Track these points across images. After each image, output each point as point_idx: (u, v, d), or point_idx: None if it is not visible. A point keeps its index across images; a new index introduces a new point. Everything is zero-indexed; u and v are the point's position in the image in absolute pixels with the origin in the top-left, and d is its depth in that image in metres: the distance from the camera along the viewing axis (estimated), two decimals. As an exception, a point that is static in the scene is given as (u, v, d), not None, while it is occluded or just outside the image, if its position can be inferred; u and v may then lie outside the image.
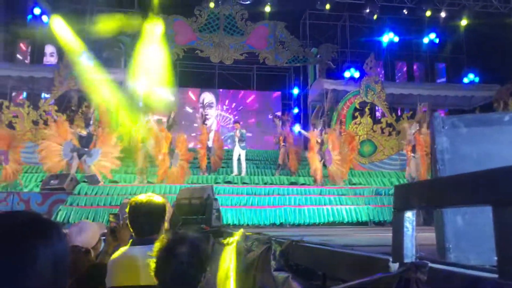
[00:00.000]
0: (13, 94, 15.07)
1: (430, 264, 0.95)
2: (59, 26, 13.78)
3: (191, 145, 15.30)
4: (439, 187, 0.97)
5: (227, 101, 18.20)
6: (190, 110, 16.61)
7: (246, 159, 12.42)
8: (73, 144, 10.55)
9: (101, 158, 10.66)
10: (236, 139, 11.95)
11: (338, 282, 1.58)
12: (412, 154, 11.03)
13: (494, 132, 1.34)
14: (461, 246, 1.29)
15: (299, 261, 2.00)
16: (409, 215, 1.06)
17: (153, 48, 14.66)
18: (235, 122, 12.76)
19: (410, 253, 1.05)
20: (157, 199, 2.39)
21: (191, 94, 17.62)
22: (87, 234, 2.62)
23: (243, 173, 11.70)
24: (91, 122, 11.12)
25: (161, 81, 14.73)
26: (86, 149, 10.62)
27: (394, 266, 1.08)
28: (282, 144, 12.46)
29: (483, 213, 1.31)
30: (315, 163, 11.17)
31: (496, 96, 14.94)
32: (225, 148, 14.05)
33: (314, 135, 11.47)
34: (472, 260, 1.28)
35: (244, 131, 12.21)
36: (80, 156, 10.52)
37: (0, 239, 0.90)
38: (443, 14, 16.53)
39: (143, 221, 2.30)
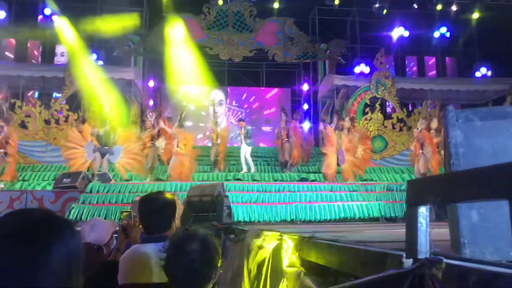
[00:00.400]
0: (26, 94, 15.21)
1: (445, 260, 0.93)
2: (67, 26, 13.87)
3: (205, 142, 15.37)
4: (453, 181, 0.95)
5: (233, 100, 18.22)
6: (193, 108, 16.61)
7: (258, 156, 12.42)
8: (94, 145, 10.67)
9: (123, 155, 10.76)
10: (242, 137, 11.93)
11: (351, 278, 1.56)
12: (421, 151, 10.93)
13: (509, 125, 1.32)
14: (476, 241, 1.27)
15: (311, 258, 1.98)
16: (423, 210, 1.04)
17: (168, 46, 14.77)
18: (240, 120, 12.73)
19: (424, 248, 1.04)
20: (167, 196, 2.40)
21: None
22: (99, 231, 2.63)
23: (252, 170, 11.65)
24: (107, 120, 11.24)
25: (176, 79, 14.83)
26: (106, 148, 10.72)
27: (408, 262, 1.07)
28: (286, 139, 12.38)
29: (499, 207, 1.29)
30: (332, 159, 11.10)
31: (510, 90, 14.75)
32: (235, 145, 14.06)
33: (331, 132, 11.37)
34: (488, 256, 1.25)
35: (249, 128, 12.19)
36: (103, 155, 10.63)
37: (15, 238, 0.91)
38: (454, 8, 16.32)
39: (153, 218, 2.31)
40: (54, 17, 14.27)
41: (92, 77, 13.24)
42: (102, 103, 12.21)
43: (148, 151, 10.97)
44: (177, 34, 14.88)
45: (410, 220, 1.06)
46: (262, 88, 18.58)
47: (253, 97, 18.29)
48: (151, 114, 11.40)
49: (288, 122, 12.73)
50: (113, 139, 10.91)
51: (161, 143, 10.97)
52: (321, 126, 11.70)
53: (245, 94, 18.29)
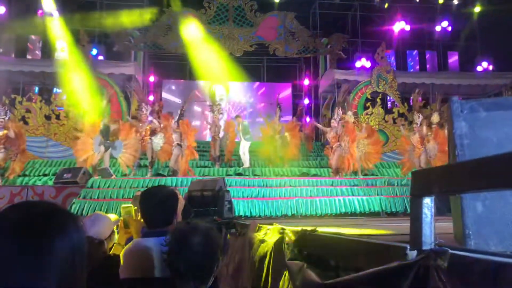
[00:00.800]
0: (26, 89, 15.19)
1: (450, 251, 0.92)
2: (60, 24, 13.83)
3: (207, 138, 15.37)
4: (460, 171, 0.94)
5: (234, 95, 18.17)
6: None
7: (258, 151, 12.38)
8: (100, 138, 10.66)
9: (124, 151, 10.75)
10: (240, 133, 11.84)
11: (352, 271, 1.56)
12: (421, 146, 10.87)
13: (514, 116, 1.30)
14: (481, 233, 1.26)
15: (313, 251, 1.98)
16: (428, 201, 1.04)
17: (170, 41, 14.75)
18: (237, 115, 12.63)
19: (428, 240, 1.03)
20: (169, 190, 2.39)
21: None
22: (101, 225, 2.63)
23: (246, 165, 11.55)
24: (105, 114, 11.24)
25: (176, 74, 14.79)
26: (108, 142, 10.72)
27: (412, 254, 1.06)
28: (279, 135, 12.32)
29: (504, 198, 1.28)
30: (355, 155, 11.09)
31: (511, 85, 14.76)
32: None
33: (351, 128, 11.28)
34: (492, 247, 1.25)
35: (246, 123, 12.07)
36: (106, 149, 10.63)
37: (18, 230, 0.90)
38: (455, 1, 16.27)
39: (155, 212, 2.30)
40: (55, 12, 14.22)
41: (92, 71, 13.23)
42: (99, 98, 12.19)
43: (146, 147, 10.92)
44: (179, 28, 14.86)
45: (415, 212, 1.06)
46: (264, 82, 18.54)
47: (254, 91, 18.23)
48: (146, 107, 11.28)
49: (280, 118, 12.69)
50: (114, 133, 10.90)
51: (159, 140, 10.88)
52: (334, 123, 11.44)
53: (246, 89, 18.24)
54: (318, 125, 12.77)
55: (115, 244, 2.73)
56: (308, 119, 16.66)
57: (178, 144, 10.63)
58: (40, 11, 14.79)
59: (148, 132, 11.00)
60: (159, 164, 11.42)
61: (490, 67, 16.62)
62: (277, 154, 11.96)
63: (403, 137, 11.99)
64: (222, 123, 12.56)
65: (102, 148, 10.56)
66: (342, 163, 11.08)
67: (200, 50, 14.93)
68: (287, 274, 2.09)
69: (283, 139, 12.12)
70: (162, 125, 11.02)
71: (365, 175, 11.25)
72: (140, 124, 11.14)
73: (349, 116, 11.78)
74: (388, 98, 16.08)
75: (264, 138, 12.49)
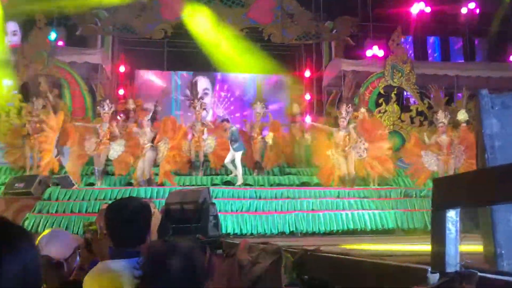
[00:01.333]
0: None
1: (479, 273, 0.92)
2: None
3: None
4: (489, 178, 0.94)
5: (223, 89, 18.13)
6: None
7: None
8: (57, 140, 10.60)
9: (70, 159, 10.66)
10: (229, 141, 11.49)
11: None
12: (449, 151, 10.90)
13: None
14: (516, 252, 1.26)
15: (315, 274, 1.98)
16: (452, 215, 1.03)
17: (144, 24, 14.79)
18: (223, 120, 12.35)
19: (453, 261, 1.03)
20: (140, 202, 2.38)
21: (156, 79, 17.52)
22: (60, 243, 2.61)
23: (239, 181, 11.08)
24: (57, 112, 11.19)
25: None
26: (60, 146, 10.66)
27: (434, 277, 1.06)
28: (261, 136, 12.29)
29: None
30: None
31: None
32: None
33: None
34: (529, 269, 1.25)
35: (234, 129, 11.70)
36: (57, 154, 10.55)
37: None
38: (484, -21, 16.42)
39: (124, 229, 2.28)
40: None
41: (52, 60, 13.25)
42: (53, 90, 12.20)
43: (102, 151, 10.78)
44: (152, 10, 14.85)
45: (437, 227, 1.05)
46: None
47: (245, 83, 18.22)
48: (108, 104, 11.16)
49: (262, 116, 12.68)
50: (62, 135, 10.83)
51: (118, 147, 10.76)
52: (343, 122, 11.41)
53: (237, 82, 18.20)
54: (318, 124, 12.51)
55: (75, 268, 2.71)
56: (308, 118, 16.70)
57: (152, 145, 10.58)
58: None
59: (108, 136, 10.84)
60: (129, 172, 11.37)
61: (525, 57, 16.79)
62: (256, 158, 12.04)
63: (415, 137, 11.95)
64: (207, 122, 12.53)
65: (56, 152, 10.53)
66: (360, 169, 11.10)
67: (181, 34, 14.92)
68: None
69: (265, 142, 12.12)
70: (122, 131, 11.02)
71: (378, 184, 11.27)
72: (99, 125, 11.02)
73: (362, 113, 11.75)
74: (405, 93, 16.14)
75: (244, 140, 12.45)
